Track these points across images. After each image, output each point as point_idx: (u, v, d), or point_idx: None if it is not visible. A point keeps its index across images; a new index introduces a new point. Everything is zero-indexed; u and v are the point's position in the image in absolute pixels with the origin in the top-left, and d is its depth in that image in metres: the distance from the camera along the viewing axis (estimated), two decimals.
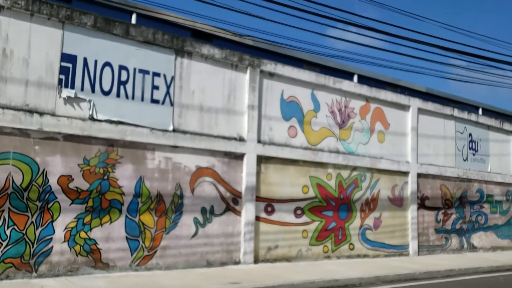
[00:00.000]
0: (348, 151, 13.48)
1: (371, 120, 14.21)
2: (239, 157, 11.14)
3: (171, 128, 10.12)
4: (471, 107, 23.13)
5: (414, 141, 15.23)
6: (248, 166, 11.19)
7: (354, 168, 13.60)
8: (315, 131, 12.80)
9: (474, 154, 17.64)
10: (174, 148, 10.14)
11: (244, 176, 11.14)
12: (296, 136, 12.34)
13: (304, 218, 12.30)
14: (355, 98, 13.86)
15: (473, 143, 17.69)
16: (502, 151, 18.94)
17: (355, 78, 19.58)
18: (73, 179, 8.87)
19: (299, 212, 12.21)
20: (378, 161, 14.16)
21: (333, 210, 12.97)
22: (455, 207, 16.61)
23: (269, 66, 11.80)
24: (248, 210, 11.07)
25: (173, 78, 10.26)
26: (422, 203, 15.44)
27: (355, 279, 10.04)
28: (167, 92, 10.14)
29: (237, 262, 10.86)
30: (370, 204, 13.89)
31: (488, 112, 23.64)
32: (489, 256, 15.75)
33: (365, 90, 14.03)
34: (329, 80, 13.08)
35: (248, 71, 11.42)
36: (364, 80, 19.03)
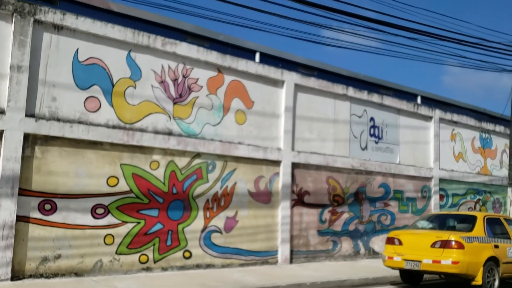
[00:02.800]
0: (187, 132, 10.59)
1: (225, 96, 11.33)
2: None
3: None
4: (409, 95, 20.34)
5: (288, 124, 12.38)
6: (7, 148, 8.21)
7: (197, 155, 10.71)
8: (133, 106, 9.86)
9: (376, 142, 14.89)
10: None
11: (1, 162, 8.16)
12: (99, 110, 9.39)
13: (109, 219, 9.35)
14: (201, 66, 10.96)
15: (376, 129, 14.94)
16: (417, 139, 16.21)
17: (257, 56, 16.60)
18: None
19: (100, 211, 9.26)
20: (235, 147, 11.29)
21: (160, 208, 10.05)
22: (348, 205, 13.82)
23: (52, 15, 8.82)
24: (4, 208, 8.08)
25: None
26: (300, 199, 12.62)
27: None
28: None
29: None
30: (221, 201, 11.02)
31: (429, 100, 20.87)
32: None
33: (215, 57, 11.13)
34: (155, 41, 10.15)
35: (14, 20, 8.43)
36: (268, 59, 16.12)
